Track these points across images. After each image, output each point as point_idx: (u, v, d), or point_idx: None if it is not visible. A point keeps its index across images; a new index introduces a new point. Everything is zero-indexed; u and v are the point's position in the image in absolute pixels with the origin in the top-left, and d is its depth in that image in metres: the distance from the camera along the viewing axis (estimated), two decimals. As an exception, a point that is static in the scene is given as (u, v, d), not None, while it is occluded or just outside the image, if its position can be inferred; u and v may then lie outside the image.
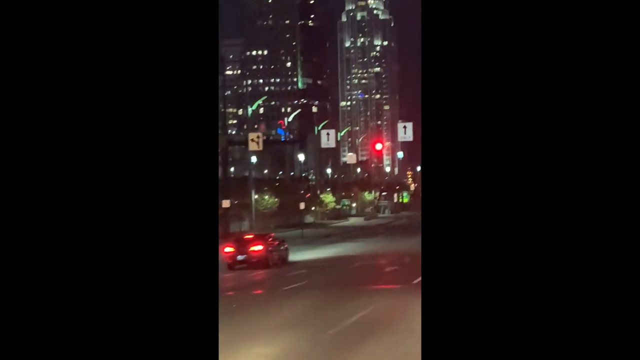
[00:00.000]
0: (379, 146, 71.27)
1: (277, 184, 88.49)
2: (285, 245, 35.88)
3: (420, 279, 21.32)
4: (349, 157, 79.63)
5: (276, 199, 73.67)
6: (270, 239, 34.82)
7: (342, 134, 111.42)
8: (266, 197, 72.85)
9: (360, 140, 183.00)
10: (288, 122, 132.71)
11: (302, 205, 69.23)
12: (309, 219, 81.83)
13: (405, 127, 44.36)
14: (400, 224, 78.45)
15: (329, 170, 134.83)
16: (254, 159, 76.43)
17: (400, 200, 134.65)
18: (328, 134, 48.13)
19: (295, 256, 37.32)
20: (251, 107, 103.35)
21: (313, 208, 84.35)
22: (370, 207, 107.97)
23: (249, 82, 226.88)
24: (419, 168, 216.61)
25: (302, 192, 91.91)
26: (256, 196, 69.07)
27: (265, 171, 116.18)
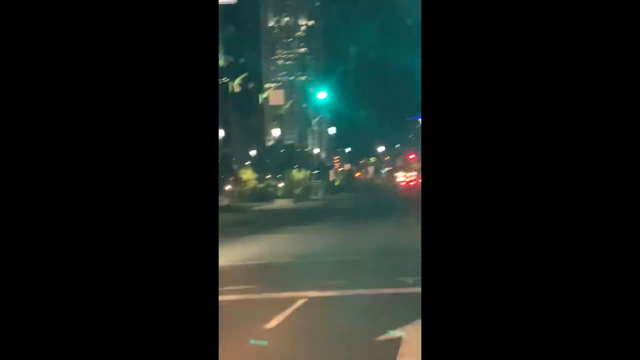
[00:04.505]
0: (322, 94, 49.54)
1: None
2: None
3: None
4: (272, 96, 60.58)
5: None
6: None
7: (265, 95, 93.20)
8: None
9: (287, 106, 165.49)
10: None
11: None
12: (223, 201, 62.96)
13: None
14: (343, 208, 59.67)
15: (252, 153, 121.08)
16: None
17: (335, 182, 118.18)
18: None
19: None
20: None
21: (227, 187, 64.64)
22: (300, 188, 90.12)
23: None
24: (348, 149, 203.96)
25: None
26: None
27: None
